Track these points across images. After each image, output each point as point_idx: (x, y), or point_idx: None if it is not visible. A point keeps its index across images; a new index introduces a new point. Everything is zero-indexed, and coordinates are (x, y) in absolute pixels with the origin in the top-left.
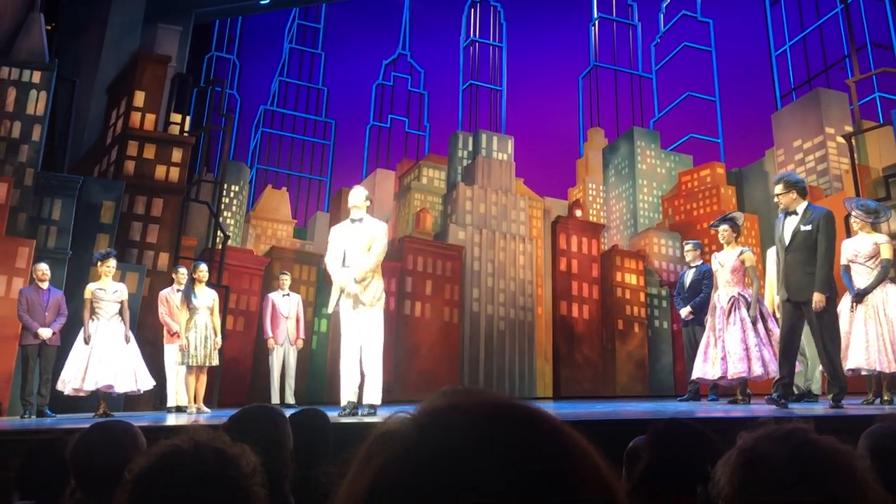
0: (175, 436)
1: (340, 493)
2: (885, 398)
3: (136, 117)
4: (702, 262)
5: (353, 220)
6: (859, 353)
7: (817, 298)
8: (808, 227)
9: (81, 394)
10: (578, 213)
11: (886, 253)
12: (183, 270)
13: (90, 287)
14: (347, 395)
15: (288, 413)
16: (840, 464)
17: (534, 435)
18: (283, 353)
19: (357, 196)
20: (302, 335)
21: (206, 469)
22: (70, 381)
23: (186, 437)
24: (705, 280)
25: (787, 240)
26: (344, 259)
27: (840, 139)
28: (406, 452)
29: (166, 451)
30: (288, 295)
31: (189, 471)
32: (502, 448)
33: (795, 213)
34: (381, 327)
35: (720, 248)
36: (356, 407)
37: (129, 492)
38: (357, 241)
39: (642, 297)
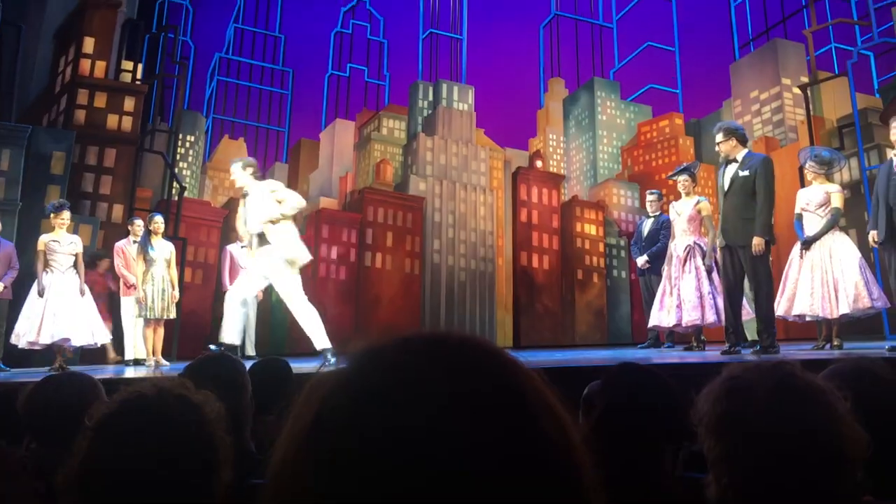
0: (137, 383)
1: (284, 431)
2: (835, 343)
3: (85, 64)
4: (661, 212)
5: (244, 196)
6: (804, 300)
7: (756, 241)
8: (746, 173)
9: (37, 347)
10: (539, 163)
11: (837, 202)
12: (139, 222)
13: (43, 239)
14: (230, 337)
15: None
16: (822, 400)
17: (473, 354)
18: None
19: (235, 173)
20: None
21: (171, 416)
22: (24, 334)
23: (149, 384)
24: (663, 230)
25: (725, 186)
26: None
27: (796, 90)
28: (347, 382)
29: (129, 398)
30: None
31: (153, 417)
32: (447, 367)
33: (735, 160)
34: (294, 289)
35: (678, 197)
36: (237, 349)
37: (90, 438)
38: (257, 208)
39: (601, 247)
